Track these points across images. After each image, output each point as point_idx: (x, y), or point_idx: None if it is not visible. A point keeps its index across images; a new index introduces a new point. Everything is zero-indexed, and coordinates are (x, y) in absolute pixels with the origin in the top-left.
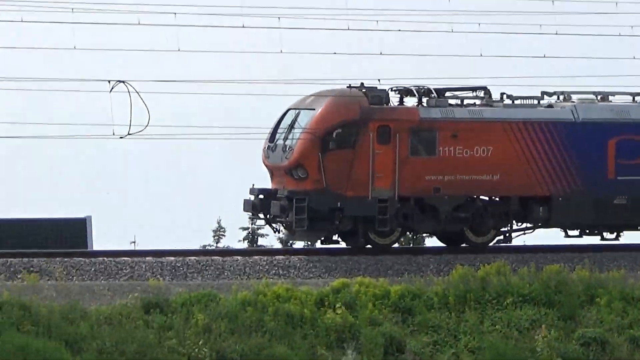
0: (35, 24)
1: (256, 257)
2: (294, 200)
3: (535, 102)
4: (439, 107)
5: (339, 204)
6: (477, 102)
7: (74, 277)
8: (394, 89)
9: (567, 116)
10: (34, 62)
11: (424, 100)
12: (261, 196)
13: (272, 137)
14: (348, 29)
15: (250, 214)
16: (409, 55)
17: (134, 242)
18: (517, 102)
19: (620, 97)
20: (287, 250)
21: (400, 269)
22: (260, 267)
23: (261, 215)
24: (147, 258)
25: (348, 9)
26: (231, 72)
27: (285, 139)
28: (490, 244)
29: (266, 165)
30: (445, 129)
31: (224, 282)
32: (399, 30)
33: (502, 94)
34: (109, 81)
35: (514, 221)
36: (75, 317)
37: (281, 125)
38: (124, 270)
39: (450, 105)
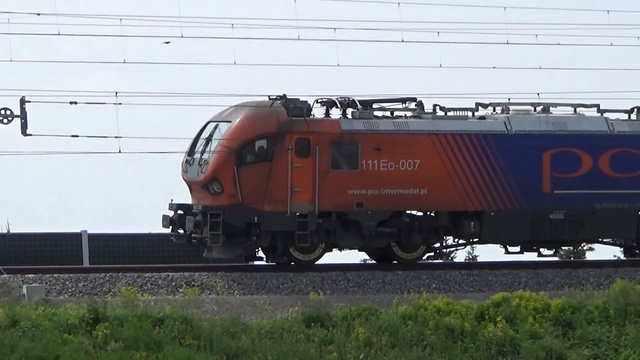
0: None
1: (418, 271)
2: (209, 216)
3: (470, 114)
4: (362, 119)
5: (255, 219)
6: (408, 114)
7: (235, 291)
8: (318, 100)
9: (500, 128)
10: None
11: (349, 112)
12: (180, 211)
13: (191, 151)
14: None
15: (170, 229)
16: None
17: None
18: (450, 114)
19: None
20: (445, 264)
21: (561, 283)
22: (421, 282)
23: (180, 231)
24: (307, 272)
25: (507, 23)
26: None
27: (202, 152)
28: (420, 261)
29: (185, 180)
30: (369, 141)
31: (384, 297)
32: (558, 44)
33: (434, 105)
34: (269, 97)
35: (444, 237)
36: (236, 331)
37: (200, 138)
38: (285, 285)
39: (375, 117)
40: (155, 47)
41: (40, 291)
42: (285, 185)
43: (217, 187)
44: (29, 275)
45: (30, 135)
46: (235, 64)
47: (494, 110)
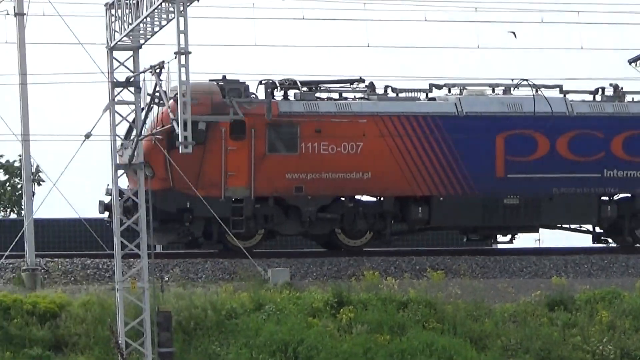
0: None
1: None
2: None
3: (422, 95)
4: (303, 100)
5: (188, 204)
6: (357, 95)
7: (479, 275)
8: (261, 82)
9: (449, 109)
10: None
11: (290, 93)
12: None
13: (127, 134)
14: None
15: (106, 215)
16: None
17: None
18: (401, 95)
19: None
20: None
21: None
22: None
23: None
24: (551, 256)
25: None
26: None
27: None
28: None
29: (120, 164)
30: (308, 123)
31: (627, 280)
32: None
33: (386, 87)
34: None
35: (391, 222)
36: (480, 315)
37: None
38: (528, 268)
39: (317, 98)
40: None
41: (285, 275)
42: (220, 169)
43: (148, 171)
44: (274, 259)
45: None
46: None
47: (449, 91)
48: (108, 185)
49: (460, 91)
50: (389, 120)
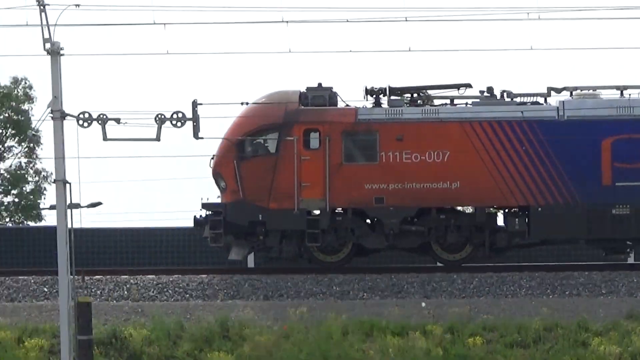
0: None
1: None
2: (209, 214)
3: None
4: (383, 106)
5: (260, 217)
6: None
7: None
8: (367, 88)
9: (549, 114)
10: None
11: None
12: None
13: None
14: None
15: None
16: None
17: None
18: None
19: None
20: None
21: None
22: None
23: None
24: None
25: None
26: None
27: None
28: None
29: None
30: (389, 131)
31: None
32: None
33: (502, 91)
34: None
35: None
36: None
37: None
38: None
39: (399, 104)
40: None
41: None
42: (292, 180)
43: (222, 182)
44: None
45: None
46: None
47: (571, 94)
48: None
49: (571, 94)
50: (479, 126)
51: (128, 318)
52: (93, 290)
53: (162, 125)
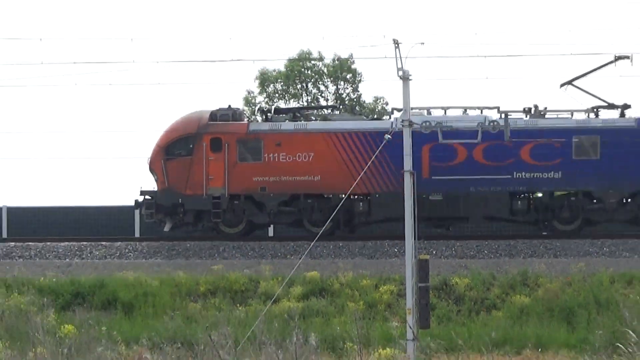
0: None
1: None
2: (145, 198)
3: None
4: (268, 121)
5: (180, 200)
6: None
7: None
8: (260, 109)
9: (385, 125)
10: None
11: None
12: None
13: None
14: None
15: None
16: None
17: None
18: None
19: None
20: None
21: None
22: None
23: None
24: None
25: None
26: None
27: None
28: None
29: None
30: (270, 139)
31: None
32: None
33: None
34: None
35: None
36: None
37: None
38: None
39: (279, 119)
40: None
41: None
42: (202, 174)
43: (154, 175)
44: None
45: None
46: None
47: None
48: (141, 187)
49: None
50: (335, 136)
51: (455, 271)
52: (430, 250)
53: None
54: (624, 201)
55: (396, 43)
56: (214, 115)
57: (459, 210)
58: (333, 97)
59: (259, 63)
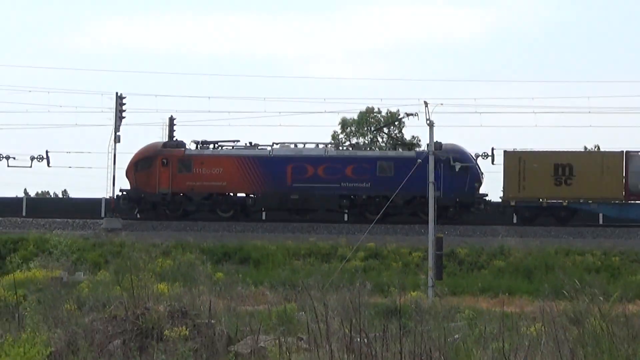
0: None
1: None
2: (122, 193)
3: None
4: (197, 149)
5: (142, 195)
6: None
7: None
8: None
9: (264, 153)
10: None
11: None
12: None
13: None
14: None
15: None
16: None
17: None
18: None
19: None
20: None
21: None
22: None
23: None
24: None
25: None
26: None
27: None
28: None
29: None
30: (197, 159)
31: None
32: None
33: (248, 143)
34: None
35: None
36: None
37: None
38: None
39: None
40: None
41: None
42: (156, 180)
43: (128, 180)
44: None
45: None
46: None
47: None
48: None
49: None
50: (237, 158)
51: (458, 244)
52: (444, 231)
53: None
54: (407, 202)
55: (425, 103)
56: (165, 144)
57: (310, 205)
58: (386, 136)
59: (342, 114)
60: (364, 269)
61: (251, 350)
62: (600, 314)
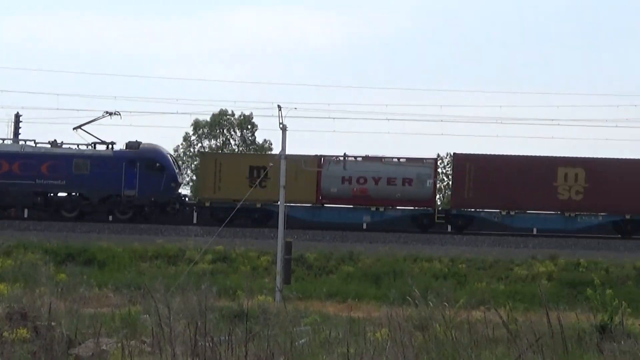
0: None
1: None
2: None
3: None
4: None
5: None
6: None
7: None
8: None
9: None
10: None
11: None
12: None
13: None
14: None
15: None
16: None
17: None
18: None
19: None
20: None
21: None
22: None
23: None
24: None
25: None
26: None
27: None
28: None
29: None
30: None
31: None
32: None
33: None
34: None
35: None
36: None
37: None
38: None
39: None
40: None
41: None
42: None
43: None
44: None
45: None
46: None
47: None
48: None
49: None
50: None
51: (307, 248)
52: (293, 235)
53: None
54: (103, 200)
55: (279, 107)
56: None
57: (5, 202)
58: (240, 140)
59: (194, 115)
60: (211, 272)
61: (92, 353)
62: (444, 320)
